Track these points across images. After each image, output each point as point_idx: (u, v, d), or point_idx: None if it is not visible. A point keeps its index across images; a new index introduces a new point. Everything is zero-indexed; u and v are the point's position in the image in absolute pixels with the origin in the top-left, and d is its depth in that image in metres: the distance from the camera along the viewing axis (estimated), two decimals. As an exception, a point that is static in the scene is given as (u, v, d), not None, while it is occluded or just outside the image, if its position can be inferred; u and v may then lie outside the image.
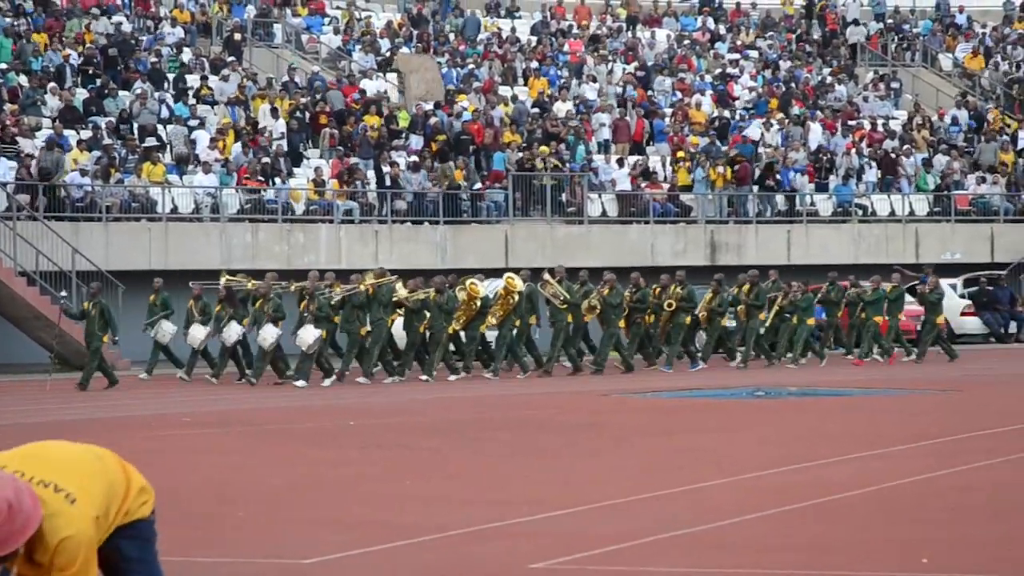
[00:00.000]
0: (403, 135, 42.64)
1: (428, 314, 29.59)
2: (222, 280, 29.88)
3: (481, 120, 43.15)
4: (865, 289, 34.63)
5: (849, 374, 31.05)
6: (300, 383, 28.41)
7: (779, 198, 44.35)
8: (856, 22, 55.18)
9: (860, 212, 45.02)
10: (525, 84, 47.91)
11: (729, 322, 34.28)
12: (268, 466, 16.70)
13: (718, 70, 51.21)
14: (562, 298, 31.05)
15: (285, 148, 39.73)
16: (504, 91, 46.42)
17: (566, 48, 50.93)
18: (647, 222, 42.36)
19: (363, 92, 43.87)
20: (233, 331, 29.36)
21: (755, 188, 44.23)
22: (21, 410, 24.29)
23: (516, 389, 28.27)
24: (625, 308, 32.04)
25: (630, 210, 42.77)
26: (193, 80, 42.88)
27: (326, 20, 49.17)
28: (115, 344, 29.67)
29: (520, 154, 42.39)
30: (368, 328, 28.93)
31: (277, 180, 38.67)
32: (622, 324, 32.13)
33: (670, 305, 32.41)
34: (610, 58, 50.31)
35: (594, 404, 24.89)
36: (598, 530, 11.90)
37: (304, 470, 16.24)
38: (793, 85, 50.54)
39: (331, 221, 38.19)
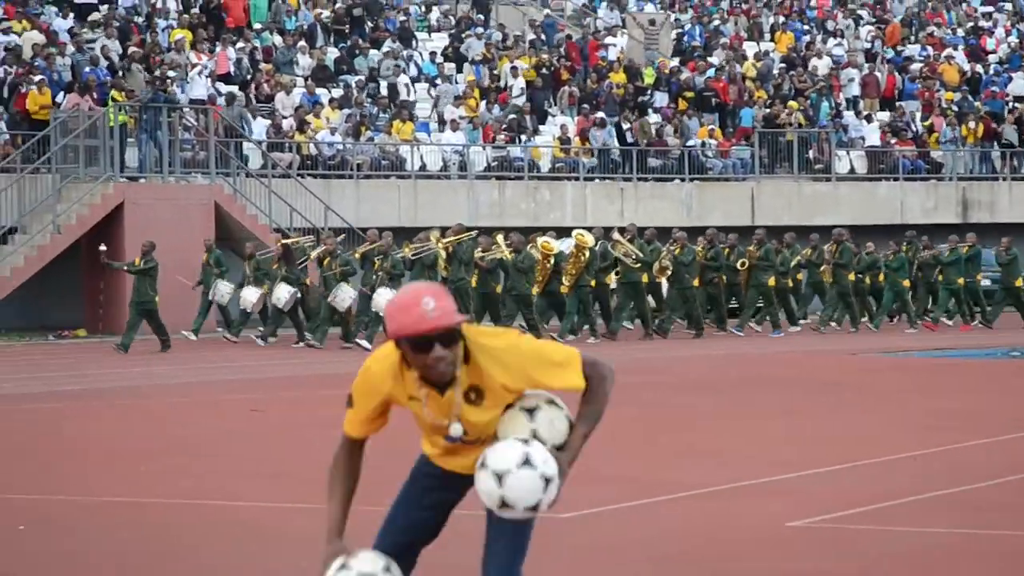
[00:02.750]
0: (648, 92, 42.55)
1: (503, 274, 28.41)
2: (278, 242, 29.13)
3: (726, 77, 42.86)
4: (942, 250, 33.20)
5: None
6: (367, 344, 26.91)
7: (1033, 154, 43.26)
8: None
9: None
10: (772, 40, 47.44)
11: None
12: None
13: (970, 24, 50.06)
14: (635, 257, 29.72)
15: (530, 106, 39.95)
16: (750, 47, 46.04)
17: (813, 3, 50.26)
18: (896, 179, 41.69)
19: (607, 48, 43.91)
20: (283, 291, 27.84)
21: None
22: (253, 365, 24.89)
23: (750, 347, 28.05)
24: (698, 267, 30.63)
25: (879, 167, 42.13)
26: (441, 38, 43.35)
27: (571, -23, 49.26)
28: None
29: (767, 110, 42.03)
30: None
31: (523, 137, 38.93)
32: (696, 283, 30.65)
33: (743, 264, 31.26)
34: (858, 12, 49.53)
35: (841, 363, 24.65)
36: (853, 490, 11.83)
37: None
38: (1049, 38, 49.22)
39: (577, 178, 38.33)
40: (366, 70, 39.78)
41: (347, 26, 41.72)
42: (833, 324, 32.05)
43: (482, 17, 44.85)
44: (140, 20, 38.70)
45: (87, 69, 34.58)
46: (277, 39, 40.05)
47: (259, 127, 35.73)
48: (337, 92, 38.43)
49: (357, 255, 28.47)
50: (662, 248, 30.19)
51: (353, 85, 38.84)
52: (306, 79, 38.64)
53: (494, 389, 5.67)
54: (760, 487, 12.02)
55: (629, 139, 39.48)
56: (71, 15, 37.35)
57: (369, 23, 42.27)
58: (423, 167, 36.93)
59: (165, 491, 11.96)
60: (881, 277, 32.46)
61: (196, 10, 39.56)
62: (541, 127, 40.06)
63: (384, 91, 39.02)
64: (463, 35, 42.92)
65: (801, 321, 32.47)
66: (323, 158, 35.87)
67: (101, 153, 31.68)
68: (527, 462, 5.58)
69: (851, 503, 11.07)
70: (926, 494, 11.58)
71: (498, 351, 5.66)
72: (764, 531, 10.26)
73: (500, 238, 28.93)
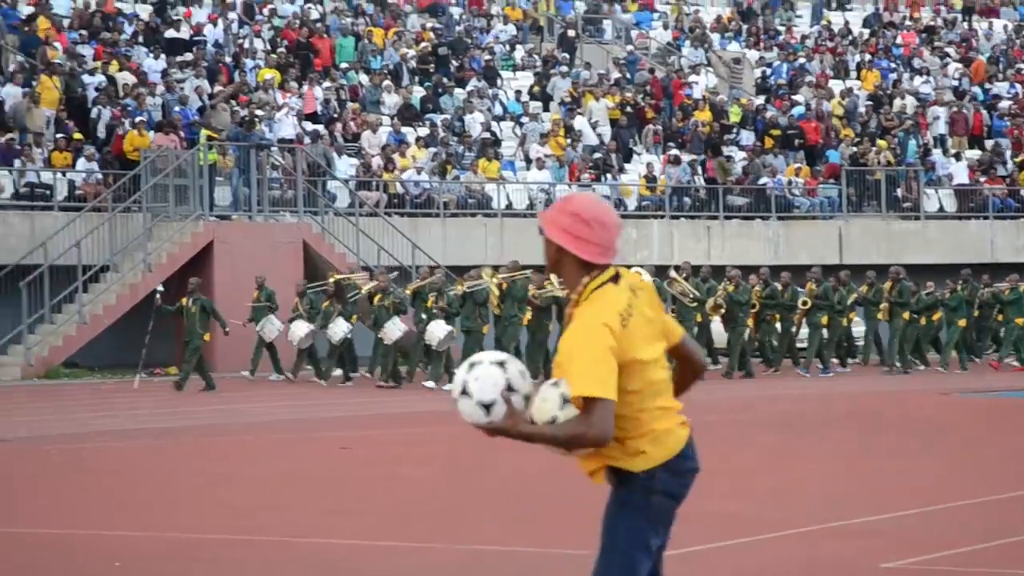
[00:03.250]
0: (734, 130, 42.48)
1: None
2: (331, 279, 29.11)
3: (813, 115, 42.72)
4: (1001, 289, 32.63)
5: None
6: (430, 383, 26.90)
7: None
8: None
9: None
10: (858, 77, 47.26)
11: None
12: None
13: (1059, 60, 49.66)
14: (691, 296, 29.53)
15: (615, 144, 39.98)
16: (836, 85, 45.88)
17: (899, 41, 50.04)
18: (986, 217, 41.35)
19: (691, 87, 43.90)
20: (340, 328, 28.00)
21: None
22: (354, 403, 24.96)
23: (836, 386, 27.84)
24: (755, 305, 30.23)
25: (968, 205, 41.81)
26: (526, 77, 43.48)
27: (655, 15, 49.33)
28: (226, 334, 28.04)
29: (853, 148, 41.84)
30: (489, 326, 27.37)
31: (608, 176, 38.93)
32: (750, 322, 30.27)
33: (804, 303, 30.76)
34: (945, 49, 49.26)
35: (930, 402, 24.43)
36: (949, 531, 11.71)
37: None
38: None
39: (663, 216, 38.28)
40: (452, 109, 39.96)
41: (432, 65, 41.94)
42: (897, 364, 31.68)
43: (567, 55, 44.95)
44: (228, 60, 39.09)
45: (176, 109, 34.95)
46: (363, 78, 40.31)
47: (344, 165, 35.94)
48: (423, 131, 38.62)
49: (409, 291, 28.45)
50: (718, 287, 30.00)
51: (439, 124, 39.02)
52: (392, 118, 38.85)
53: None
54: (852, 527, 11.91)
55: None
56: (162, 55, 37.78)
57: (454, 62, 42.47)
58: (509, 205, 37.01)
59: (254, 528, 12.01)
60: (936, 316, 32.04)
61: (283, 50, 39.90)
62: (626, 165, 40.06)
63: (470, 130, 39.16)
64: (549, 73, 43.03)
65: (850, 361, 32.13)
66: (410, 196, 36.02)
67: (191, 192, 31.97)
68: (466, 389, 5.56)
69: (947, 545, 10.95)
70: (1020, 537, 11.43)
71: (575, 320, 5.61)
72: (859, 572, 10.17)
73: (554, 276, 28.81)
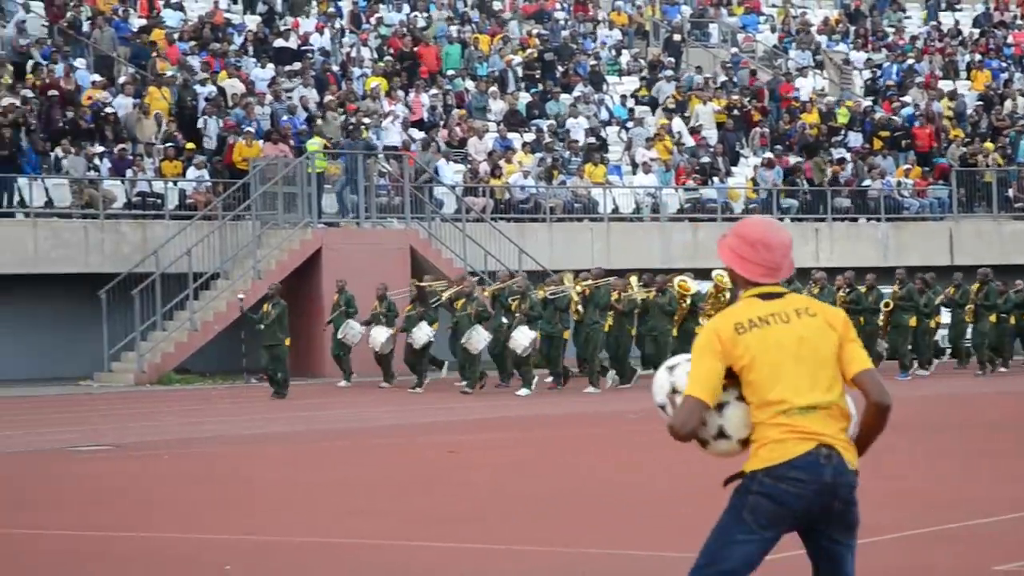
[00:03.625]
0: (842, 132, 42.18)
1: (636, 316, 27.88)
2: (411, 285, 28.94)
3: (922, 116, 42.32)
4: None
5: None
6: (523, 391, 26.49)
7: None
8: None
9: None
10: (968, 77, 46.75)
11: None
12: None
13: None
14: None
15: (721, 147, 39.85)
16: (945, 85, 45.42)
17: (1010, 40, 49.45)
18: (1100, 218, 40.78)
19: (799, 89, 43.65)
20: (423, 332, 27.65)
21: None
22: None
23: (957, 388, 27.54)
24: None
25: (1082, 205, 41.22)
26: (631, 81, 43.42)
27: (762, 18, 49.10)
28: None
29: (963, 149, 41.40)
30: (570, 331, 27.18)
31: (715, 179, 38.80)
32: None
33: (887, 305, 30.25)
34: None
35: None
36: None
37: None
38: None
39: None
40: (557, 114, 39.98)
41: (538, 71, 41.99)
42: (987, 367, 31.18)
43: (672, 59, 44.84)
44: (336, 69, 39.37)
45: (284, 118, 35.25)
46: (469, 85, 40.44)
47: (450, 172, 36.08)
48: (529, 136, 38.67)
49: (487, 293, 28.37)
50: (802, 289, 29.60)
51: (545, 129, 39.06)
52: (498, 124, 38.94)
53: None
54: (965, 530, 11.79)
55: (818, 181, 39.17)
56: (269, 65, 38.13)
57: (560, 68, 42.51)
58: (615, 210, 36.98)
59: (364, 532, 12.08)
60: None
61: (390, 58, 40.13)
62: (733, 168, 39.90)
63: (576, 135, 39.17)
64: (655, 78, 42.95)
65: (934, 362, 31.57)
66: (516, 202, 36.08)
67: (299, 200, 32.24)
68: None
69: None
70: None
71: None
72: (972, 575, 10.06)
73: (634, 280, 28.76)
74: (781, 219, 38.11)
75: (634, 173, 38.42)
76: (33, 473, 16.62)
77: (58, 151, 31.98)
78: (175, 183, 32.86)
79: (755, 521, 5.83)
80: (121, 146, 32.80)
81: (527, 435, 20.43)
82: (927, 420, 21.68)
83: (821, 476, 5.82)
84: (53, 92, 33.18)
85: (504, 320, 27.72)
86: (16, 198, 31.11)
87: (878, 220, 38.85)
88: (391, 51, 40.59)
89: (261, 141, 33.74)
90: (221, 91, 35.89)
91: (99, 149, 32.63)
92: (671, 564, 10.36)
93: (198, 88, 35.64)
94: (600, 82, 42.51)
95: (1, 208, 30.84)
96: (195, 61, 37.22)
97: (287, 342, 26.53)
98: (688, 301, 28.68)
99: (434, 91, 39.26)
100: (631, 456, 17.45)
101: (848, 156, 40.80)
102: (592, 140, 38.96)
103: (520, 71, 41.97)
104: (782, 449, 5.80)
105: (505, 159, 36.80)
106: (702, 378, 5.82)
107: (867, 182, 39.50)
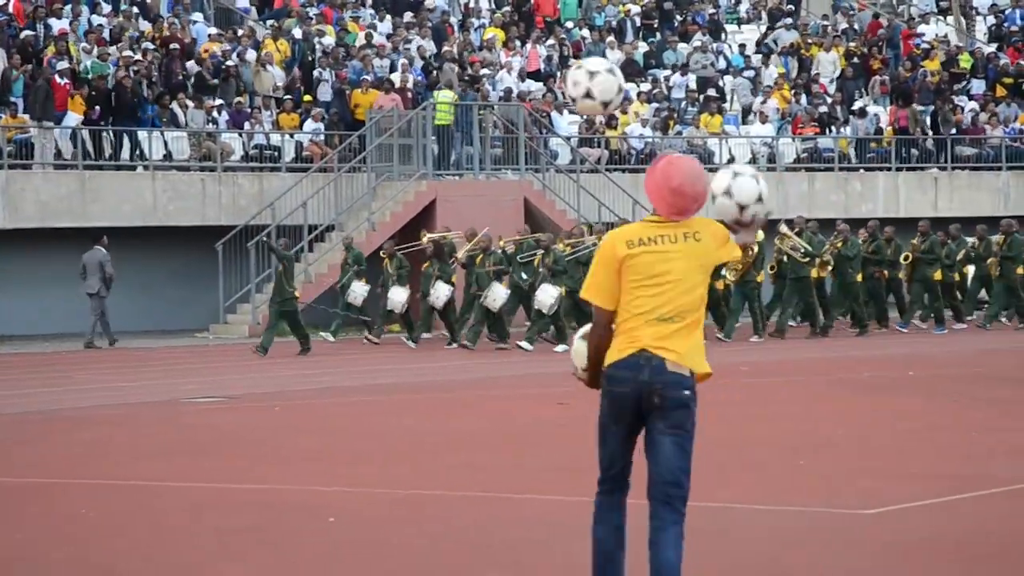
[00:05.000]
0: (965, 79, 41.52)
1: None
2: (424, 239, 28.00)
3: (1047, 62, 41.57)
4: None
5: None
6: (560, 348, 25.39)
7: None
8: None
9: None
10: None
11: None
12: (829, 416, 16.66)
13: None
14: (803, 251, 28.07)
15: (840, 96, 39.37)
16: (1072, 31, 44.53)
17: None
18: None
19: (921, 36, 43.00)
20: (441, 292, 26.93)
21: None
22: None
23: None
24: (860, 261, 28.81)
25: None
26: (751, 30, 43.00)
27: (884, -36, 48.40)
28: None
29: (1090, 96, 40.62)
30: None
31: (833, 128, 38.37)
32: (859, 278, 28.85)
33: (907, 258, 29.39)
34: None
35: None
36: None
37: (866, 420, 16.13)
38: None
39: (888, 169, 37.62)
40: (675, 63, 39.69)
41: (656, 20, 41.68)
42: (1003, 320, 30.51)
43: (792, 7, 44.33)
44: (454, 20, 39.33)
45: (401, 71, 35.25)
46: (586, 34, 40.24)
47: (565, 123, 35.93)
48: (646, 86, 38.44)
49: (502, 244, 27.59)
50: (826, 242, 28.90)
51: (662, 79, 38.80)
52: (615, 74, 38.67)
53: None
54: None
55: (942, 128, 38.56)
56: (387, 17, 38.14)
57: (678, 17, 42.17)
58: (731, 159, 36.68)
59: (471, 484, 12.11)
60: None
61: (508, 8, 40.02)
62: (851, 118, 39.40)
63: (693, 85, 38.87)
64: (774, 26, 42.50)
65: (968, 318, 30.60)
66: (632, 152, 35.91)
67: (415, 151, 32.29)
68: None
69: None
70: None
71: None
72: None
73: None
74: (900, 169, 37.61)
75: (751, 123, 38.06)
76: (149, 424, 16.84)
77: (175, 105, 32.24)
78: (291, 135, 33.06)
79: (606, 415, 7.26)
80: (239, 99, 33.03)
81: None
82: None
83: (639, 375, 6.96)
84: (174, 45, 33.46)
85: (524, 276, 27.02)
86: (136, 151, 31.46)
87: (999, 169, 38.23)
88: (509, 1, 40.48)
89: (380, 92, 33.77)
90: (339, 43, 35.99)
91: (217, 102, 32.89)
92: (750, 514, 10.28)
93: (316, 40, 35.77)
94: (719, 31, 42.14)
95: (122, 161, 31.21)
96: (313, 12, 37.34)
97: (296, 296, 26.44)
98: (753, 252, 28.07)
99: (551, 41, 39.11)
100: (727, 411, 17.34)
101: (969, 104, 40.15)
102: (710, 90, 38.64)
103: (638, 20, 41.71)
104: (615, 353, 7.04)
105: (621, 109, 36.60)
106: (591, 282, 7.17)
107: (990, 130, 38.86)
